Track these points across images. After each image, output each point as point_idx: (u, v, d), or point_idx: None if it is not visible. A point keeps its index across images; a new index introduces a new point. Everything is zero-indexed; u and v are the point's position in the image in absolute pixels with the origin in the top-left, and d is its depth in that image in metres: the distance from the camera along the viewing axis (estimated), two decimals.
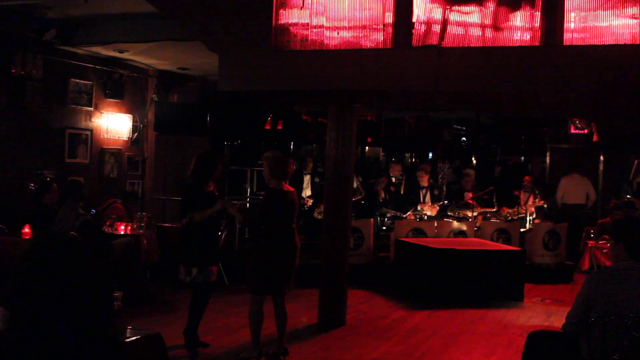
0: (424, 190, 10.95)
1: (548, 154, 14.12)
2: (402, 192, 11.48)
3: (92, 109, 10.38)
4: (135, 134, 11.25)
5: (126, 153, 11.18)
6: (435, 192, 10.93)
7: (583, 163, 12.96)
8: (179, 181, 11.02)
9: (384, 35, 6.33)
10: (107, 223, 8.38)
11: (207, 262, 6.09)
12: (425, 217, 10.59)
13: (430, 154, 17.93)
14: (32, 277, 1.77)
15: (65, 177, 9.65)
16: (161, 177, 11.86)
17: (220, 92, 7.18)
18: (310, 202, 11.46)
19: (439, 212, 10.72)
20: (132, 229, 8.40)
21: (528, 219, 11.01)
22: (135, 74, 11.11)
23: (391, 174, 11.65)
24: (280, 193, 5.89)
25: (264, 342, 6.04)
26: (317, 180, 11.58)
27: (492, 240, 10.03)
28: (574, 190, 12.23)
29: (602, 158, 13.42)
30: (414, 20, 6.19)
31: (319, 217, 10.19)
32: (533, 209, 11.25)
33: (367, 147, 17.27)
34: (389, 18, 6.29)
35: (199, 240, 6.06)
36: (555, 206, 12.23)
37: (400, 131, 16.25)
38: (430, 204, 10.76)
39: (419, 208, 10.67)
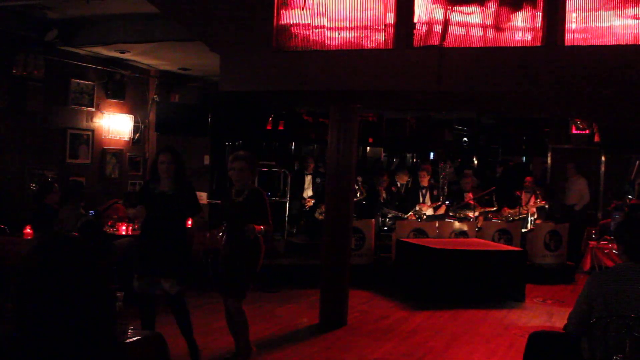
0: (423, 191, 10.95)
1: (549, 154, 14.12)
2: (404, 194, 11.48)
3: (93, 109, 10.39)
4: (137, 135, 11.26)
5: (127, 153, 11.18)
6: (435, 192, 10.93)
7: (584, 164, 12.96)
8: None
9: (385, 35, 6.32)
10: (109, 223, 8.39)
11: (145, 271, 5.49)
12: (425, 217, 10.60)
13: (432, 154, 17.94)
14: (33, 278, 1.77)
15: (66, 177, 9.66)
16: None
17: (222, 92, 7.17)
18: (311, 202, 11.47)
19: (438, 211, 10.73)
20: (133, 230, 8.40)
21: (529, 219, 11.02)
22: (136, 75, 11.11)
23: (397, 181, 11.62)
24: None
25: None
26: (318, 180, 11.59)
27: (493, 240, 10.02)
28: (586, 191, 12.32)
29: (603, 158, 13.43)
30: (415, 20, 6.18)
31: (320, 217, 10.20)
32: (534, 210, 11.26)
33: (368, 148, 17.28)
34: (390, 18, 6.28)
35: (140, 245, 5.67)
36: (565, 208, 12.17)
37: (401, 131, 16.27)
38: (429, 204, 10.77)
39: (417, 208, 10.67)
